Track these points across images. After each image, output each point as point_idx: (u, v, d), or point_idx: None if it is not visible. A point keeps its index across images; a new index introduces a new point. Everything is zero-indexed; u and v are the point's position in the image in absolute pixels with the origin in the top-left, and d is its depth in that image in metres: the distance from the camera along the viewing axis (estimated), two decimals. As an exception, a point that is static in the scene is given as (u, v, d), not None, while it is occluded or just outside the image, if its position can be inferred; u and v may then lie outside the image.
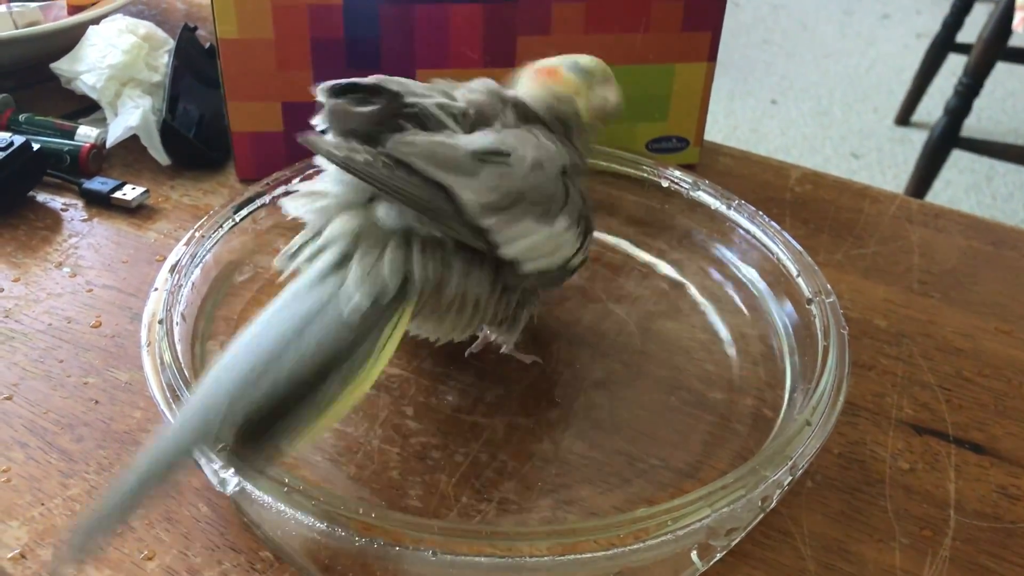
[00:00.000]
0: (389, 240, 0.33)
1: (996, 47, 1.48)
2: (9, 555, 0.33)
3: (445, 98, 0.37)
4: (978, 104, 1.54)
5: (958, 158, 1.79)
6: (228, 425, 0.28)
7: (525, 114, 0.38)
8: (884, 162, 1.91)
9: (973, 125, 1.89)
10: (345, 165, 0.32)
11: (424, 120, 0.35)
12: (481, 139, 0.35)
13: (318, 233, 0.34)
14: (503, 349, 0.41)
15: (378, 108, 0.34)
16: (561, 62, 0.41)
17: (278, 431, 0.29)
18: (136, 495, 0.27)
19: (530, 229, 0.35)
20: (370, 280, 0.32)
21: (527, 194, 0.35)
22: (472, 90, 0.38)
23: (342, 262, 0.33)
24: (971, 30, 1.70)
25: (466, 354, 0.41)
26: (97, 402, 0.40)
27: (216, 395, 0.29)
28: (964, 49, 1.76)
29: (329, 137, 0.35)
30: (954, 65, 1.86)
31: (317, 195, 0.35)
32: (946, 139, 1.54)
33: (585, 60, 0.42)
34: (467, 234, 0.34)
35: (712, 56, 0.54)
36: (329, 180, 0.35)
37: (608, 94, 0.42)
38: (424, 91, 0.37)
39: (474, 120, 0.37)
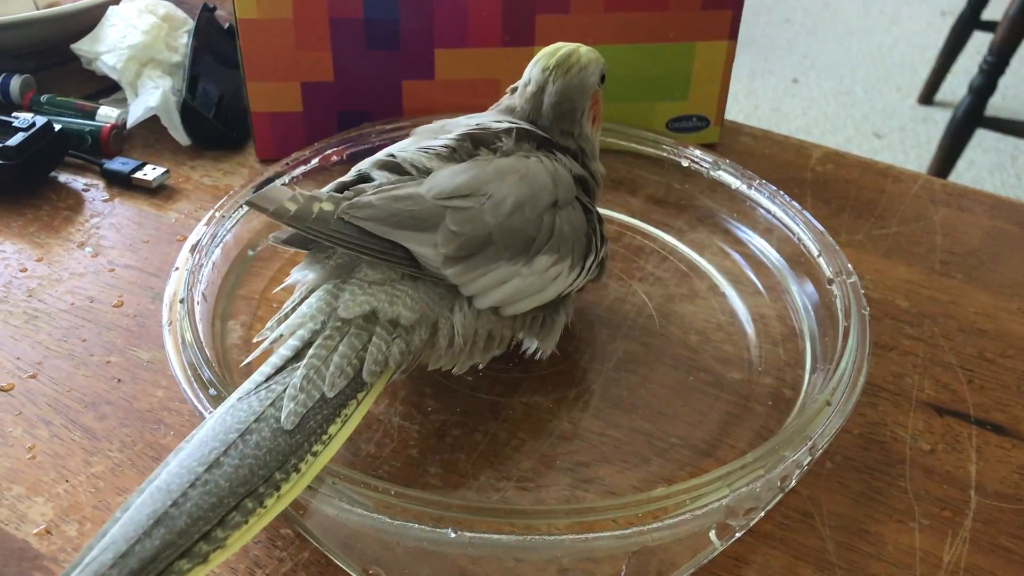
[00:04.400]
0: (348, 329, 0.32)
1: (1022, 25, 1.46)
2: (35, 531, 0.33)
3: (433, 138, 0.37)
4: (1003, 83, 1.52)
5: (982, 137, 1.77)
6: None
7: (530, 136, 0.37)
8: (907, 142, 1.89)
9: (998, 104, 1.87)
10: (292, 223, 0.32)
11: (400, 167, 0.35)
12: (449, 179, 0.34)
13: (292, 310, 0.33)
14: (539, 355, 0.39)
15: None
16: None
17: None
18: None
19: (504, 276, 0.34)
20: (307, 390, 0.30)
21: (498, 237, 0.34)
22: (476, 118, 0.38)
23: (297, 355, 0.31)
24: (996, 7, 1.68)
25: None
26: (120, 381, 0.40)
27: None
28: (989, 27, 1.73)
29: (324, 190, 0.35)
30: (979, 43, 1.84)
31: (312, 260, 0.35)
32: (970, 118, 1.52)
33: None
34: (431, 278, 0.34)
35: (733, 34, 0.54)
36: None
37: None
38: (410, 142, 0.37)
39: (469, 149, 0.36)
